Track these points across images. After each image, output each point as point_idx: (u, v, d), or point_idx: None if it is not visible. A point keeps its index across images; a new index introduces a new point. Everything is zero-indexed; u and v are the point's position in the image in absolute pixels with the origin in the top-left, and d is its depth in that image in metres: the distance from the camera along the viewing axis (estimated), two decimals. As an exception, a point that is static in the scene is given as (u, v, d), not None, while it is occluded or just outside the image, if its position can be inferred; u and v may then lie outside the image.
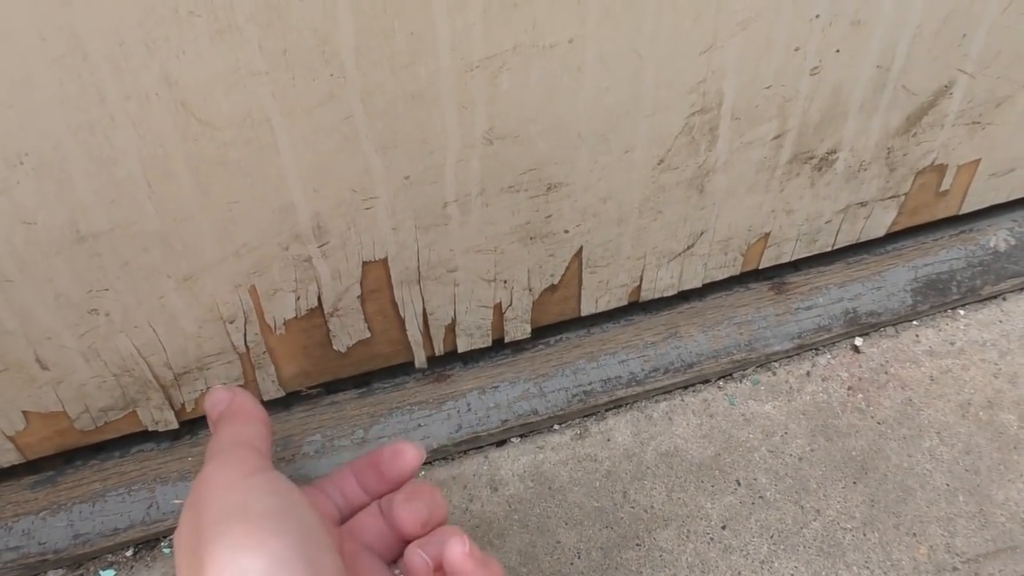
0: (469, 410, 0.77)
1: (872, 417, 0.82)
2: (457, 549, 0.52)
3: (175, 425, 0.72)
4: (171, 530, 0.72)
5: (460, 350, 0.77)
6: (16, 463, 0.70)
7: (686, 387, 0.83)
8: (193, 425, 0.74)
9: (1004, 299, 0.90)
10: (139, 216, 0.58)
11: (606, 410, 0.81)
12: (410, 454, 0.59)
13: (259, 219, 0.61)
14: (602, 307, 0.79)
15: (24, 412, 0.67)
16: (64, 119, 0.51)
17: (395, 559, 0.60)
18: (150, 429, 0.72)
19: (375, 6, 0.52)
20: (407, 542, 0.58)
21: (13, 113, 0.50)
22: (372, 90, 0.57)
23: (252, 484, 0.50)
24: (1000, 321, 0.88)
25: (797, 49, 0.65)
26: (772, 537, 0.74)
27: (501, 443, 0.79)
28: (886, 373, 0.85)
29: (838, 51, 0.67)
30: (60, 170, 0.53)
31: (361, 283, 0.68)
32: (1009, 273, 0.88)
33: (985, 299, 0.89)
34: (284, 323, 0.68)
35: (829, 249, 0.84)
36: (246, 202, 0.59)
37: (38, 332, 0.61)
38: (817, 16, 0.64)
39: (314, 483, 0.61)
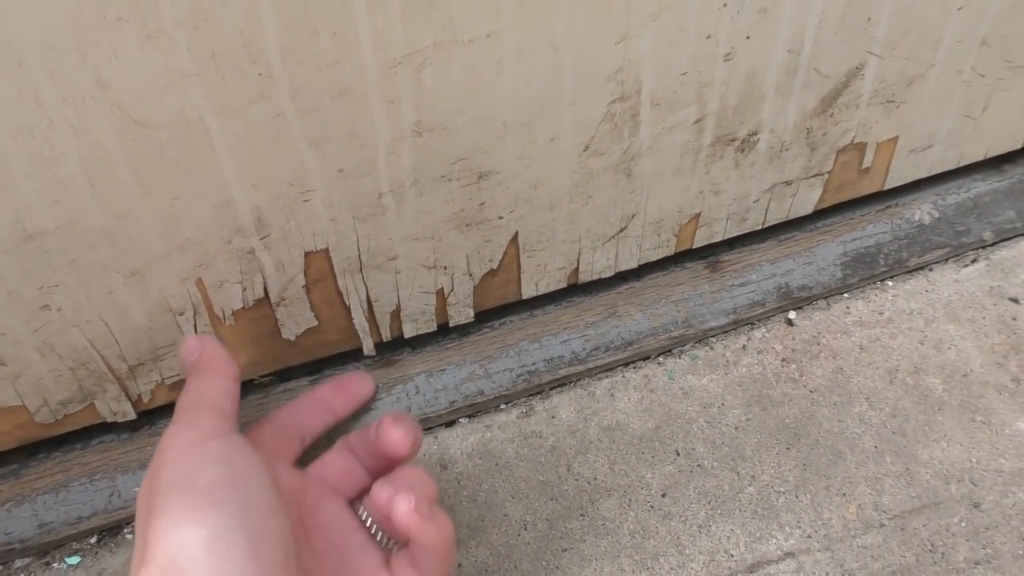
0: (418, 393, 0.80)
1: (805, 386, 0.85)
2: (403, 506, 0.55)
3: (133, 416, 0.75)
4: (133, 517, 0.75)
5: (406, 335, 0.80)
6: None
7: (627, 364, 0.86)
8: (152, 415, 0.78)
9: (930, 270, 0.94)
10: (83, 214, 0.61)
11: (550, 389, 0.85)
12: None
13: (200, 214, 0.64)
14: (542, 290, 0.82)
15: (-17, 407, 0.70)
16: (3, 123, 0.54)
17: (359, 496, 0.64)
18: (109, 421, 0.75)
19: (297, 8, 0.56)
20: (374, 477, 0.62)
21: (-45, 119, 0.53)
22: (300, 88, 0.60)
23: (203, 451, 0.53)
24: (926, 291, 0.93)
25: (709, 37, 0.69)
26: (710, 502, 0.78)
27: (450, 423, 0.83)
28: (818, 344, 0.89)
29: (748, 37, 0.71)
30: (3, 172, 0.56)
31: (305, 273, 0.71)
32: (933, 245, 0.92)
33: (912, 270, 0.93)
34: (232, 314, 0.72)
35: (760, 227, 0.88)
36: (187, 198, 0.63)
37: (-11, 327, 0.65)
38: (725, 5, 0.68)
39: (276, 419, 0.64)
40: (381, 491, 0.57)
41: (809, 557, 0.75)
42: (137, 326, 0.69)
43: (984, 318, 0.90)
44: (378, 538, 0.62)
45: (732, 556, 0.75)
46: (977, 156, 0.95)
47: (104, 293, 0.66)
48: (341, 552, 0.60)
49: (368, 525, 0.62)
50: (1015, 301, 0.91)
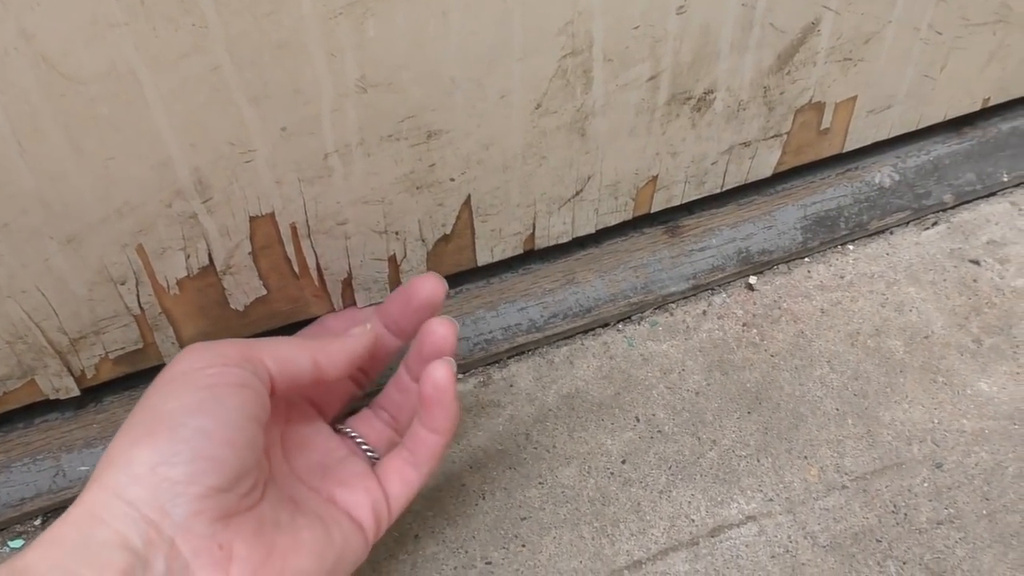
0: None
1: (766, 351, 0.84)
2: (444, 371, 0.60)
3: (76, 392, 0.73)
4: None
5: (359, 305, 0.78)
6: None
7: (586, 331, 0.85)
8: (97, 392, 0.75)
9: (891, 232, 0.93)
10: (12, 176, 0.58)
11: (508, 357, 0.83)
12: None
13: (137, 176, 0.62)
14: (498, 256, 0.81)
15: (-83, 384, 0.67)
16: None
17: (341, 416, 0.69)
18: (51, 398, 0.72)
19: (228, -47, 0.53)
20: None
21: None
22: (236, 40, 0.58)
23: (192, 377, 0.53)
24: (887, 254, 0.92)
25: (659, -12, 0.68)
26: (670, 468, 0.77)
27: (405, 394, 0.80)
28: (779, 308, 0.88)
29: (682, 10, 0.69)
30: (-77, 128, 0.53)
31: (251, 239, 0.69)
32: (894, 208, 0.91)
33: (872, 234, 0.92)
34: (177, 283, 0.69)
35: (719, 191, 0.87)
36: (121, 158, 0.60)
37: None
38: (675, -45, 0.66)
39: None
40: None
41: (771, 520, 0.74)
42: (77, 297, 0.67)
43: (945, 280, 0.90)
44: (364, 447, 0.66)
45: (693, 521, 0.74)
46: (936, 118, 0.94)
47: (39, 261, 0.63)
48: (324, 467, 0.63)
49: (353, 436, 0.67)
50: (975, 263, 0.91)
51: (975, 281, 0.89)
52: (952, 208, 0.95)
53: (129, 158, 0.61)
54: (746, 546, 0.72)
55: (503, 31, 0.65)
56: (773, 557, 0.72)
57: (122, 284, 0.68)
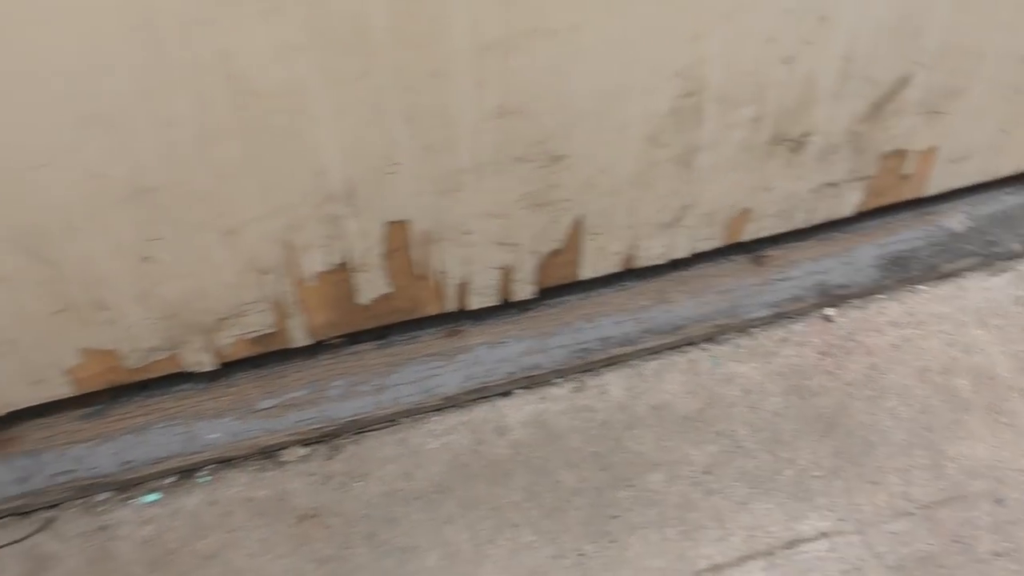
0: (478, 363, 0.85)
1: (840, 379, 0.90)
2: None
3: (213, 367, 0.80)
4: (208, 461, 0.81)
5: (472, 308, 0.85)
6: (69, 396, 0.78)
7: (674, 348, 0.91)
8: (229, 368, 0.82)
9: (961, 276, 0.99)
10: (191, 174, 0.66)
11: (602, 367, 0.89)
12: None
13: (297, 180, 0.69)
14: (599, 272, 0.87)
15: (80, 349, 0.75)
16: (132, 84, 0.59)
17: None
18: (190, 370, 0.80)
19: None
20: None
21: (84, 77, 0.58)
22: (399, 67, 0.65)
23: None
24: (957, 296, 0.97)
25: (773, 40, 0.74)
26: (750, 482, 0.83)
27: (506, 393, 0.87)
28: (853, 340, 0.93)
29: (809, 43, 0.76)
30: (125, 129, 0.61)
31: (384, 242, 0.76)
32: (965, 253, 0.97)
33: (943, 276, 0.98)
34: (314, 276, 0.77)
35: (804, 226, 0.93)
36: (286, 165, 0.68)
37: (96, 276, 0.70)
38: (790, 10, 0.73)
39: None
40: None
41: (842, 538, 0.79)
42: (227, 283, 0.74)
43: (1011, 326, 0.95)
44: None
45: (770, 533, 0.80)
46: (1010, 170, 1.00)
47: (201, 249, 0.71)
48: None
49: None
50: (1042, 310, 0.96)
51: (1040, 328, 0.94)
52: (1020, 256, 1.00)
53: (293, 165, 0.68)
54: (818, 560, 0.78)
55: (629, 71, 0.72)
56: (843, 573, 0.77)
57: (267, 274, 0.75)
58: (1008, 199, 1.03)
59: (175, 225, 0.69)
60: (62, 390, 0.77)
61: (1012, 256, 1.00)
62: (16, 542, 0.78)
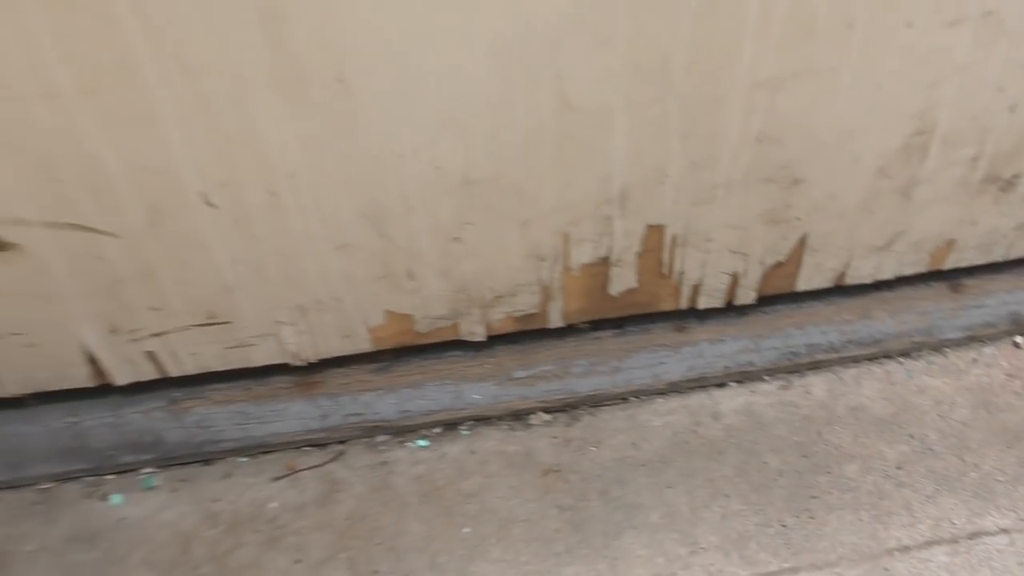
0: (700, 356, 0.98)
1: (1027, 400, 0.99)
2: None
3: (482, 338, 0.95)
4: (470, 418, 0.96)
5: (700, 307, 0.98)
6: (365, 351, 0.94)
7: (872, 359, 1.02)
8: (494, 340, 0.97)
9: None
10: (509, 171, 0.81)
11: (807, 369, 1.01)
12: None
13: (586, 183, 0.84)
14: (813, 286, 0.99)
15: (386, 311, 0.90)
16: (483, 94, 0.74)
17: None
18: (464, 339, 0.95)
19: (703, 30, 0.75)
20: None
21: (449, 85, 0.74)
22: (687, 94, 0.79)
23: None
24: None
25: (1002, 89, 0.85)
26: (937, 480, 0.93)
27: (721, 385, 1.00)
28: (1041, 367, 1.02)
29: (1013, 109, 0.86)
30: (472, 131, 0.77)
31: (642, 242, 0.90)
32: None
33: None
34: (580, 266, 0.91)
35: (1001, 259, 1.03)
36: (581, 170, 0.82)
37: (416, 251, 0.85)
38: (1022, 64, 0.84)
39: None
40: None
41: (1022, 536, 0.89)
42: (511, 266, 0.89)
43: None
44: None
45: (955, 524, 0.90)
46: None
47: (500, 234, 0.86)
48: None
49: None
50: None
51: None
52: None
53: (587, 170, 0.83)
54: (998, 552, 0.87)
55: (872, 110, 0.84)
56: (1021, 564, 0.87)
57: (543, 261, 0.90)
58: None
59: (485, 212, 0.84)
60: (363, 345, 0.93)
61: None
62: (315, 467, 0.94)
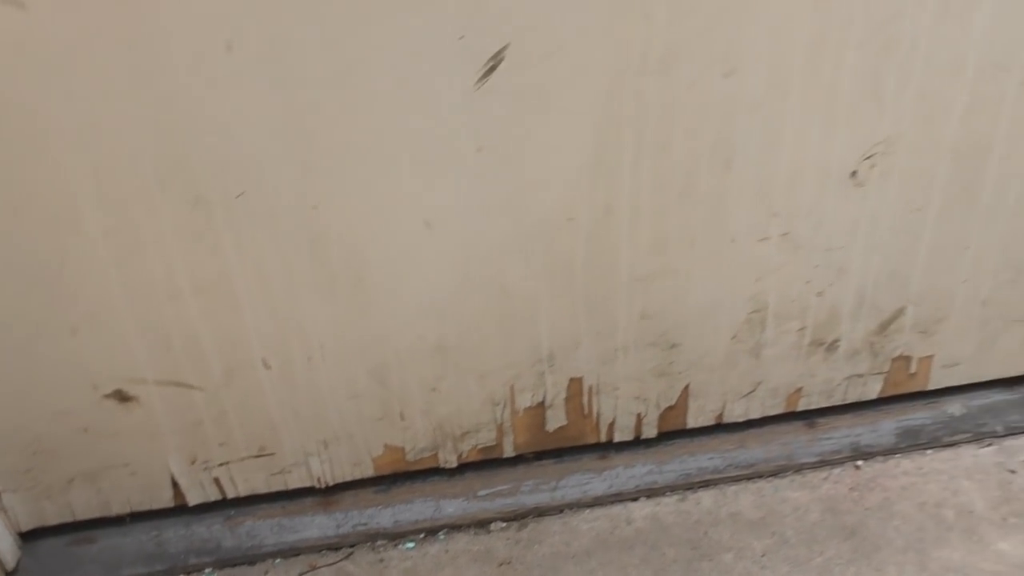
0: (617, 477, 1.33)
1: (862, 505, 1.34)
2: None
3: (455, 465, 1.30)
4: (446, 526, 1.29)
5: (616, 440, 1.34)
6: (366, 476, 1.29)
7: (748, 478, 1.37)
8: (464, 467, 1.32)
9: (958, 446, 1.42)
10: (471, 339, 1.19)
11: (698, 487, 1.36)
12: None
13: (524, 347, 1.21)
14: (700, 424, 1.35)
15: (384, 444, 1.26)
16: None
17: None
18: (441, 466, 1.30)
19: (595, 242, 1.14)
20: None
21: (428, 287, 1.13)
22: (589, 285, 1.18)
23: None
24: (952, 459, 1.40)
25: (809, 282, 1.24)
26: (791, 563, 1.26)
27: (634, 499, 1.34)
28: (874, 482, 1.37)
29: (832, 284, 1.25)
30: (441, 313, 1.15)
31: (566, 390, 1.27)
32: (961, 430, 1.41)
33: (944, 445, 1.41)
34: (523, 409, 1.27)
35: (840, 403, 1.39)
36: (521, 337, 1.20)
37: (406, 397, 1.22)
38: (817, 266, 1.23)
39: None
40: None
41: (857, 605, 1.21)
42: (473, 408, 1.26)
43: (990, 480, 1.37)
44: None
45: None
46: (994, 375, 1.44)
47: (465, 386, 1.23)
48: None
49: None
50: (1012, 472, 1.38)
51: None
52: (1002, 436, 1.43)
53: (523, 339, 1.20)
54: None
55: (719, 295, 1.23)
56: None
57: (497, 405, 1.26)
58: (995, 395, 1.47)
59: (454, 369, 1.21)
60: (368, 471, 1.28)
61: (996, 435, 1.43)
62: (330, 564, 1.27)
